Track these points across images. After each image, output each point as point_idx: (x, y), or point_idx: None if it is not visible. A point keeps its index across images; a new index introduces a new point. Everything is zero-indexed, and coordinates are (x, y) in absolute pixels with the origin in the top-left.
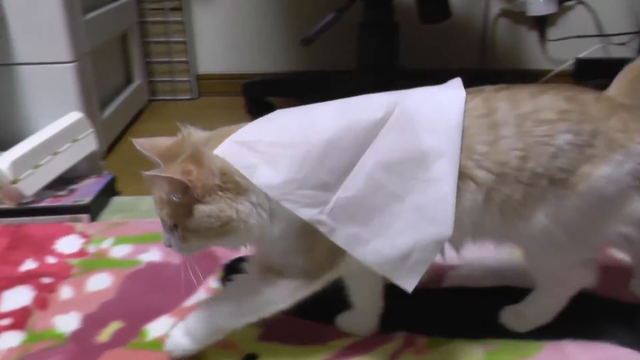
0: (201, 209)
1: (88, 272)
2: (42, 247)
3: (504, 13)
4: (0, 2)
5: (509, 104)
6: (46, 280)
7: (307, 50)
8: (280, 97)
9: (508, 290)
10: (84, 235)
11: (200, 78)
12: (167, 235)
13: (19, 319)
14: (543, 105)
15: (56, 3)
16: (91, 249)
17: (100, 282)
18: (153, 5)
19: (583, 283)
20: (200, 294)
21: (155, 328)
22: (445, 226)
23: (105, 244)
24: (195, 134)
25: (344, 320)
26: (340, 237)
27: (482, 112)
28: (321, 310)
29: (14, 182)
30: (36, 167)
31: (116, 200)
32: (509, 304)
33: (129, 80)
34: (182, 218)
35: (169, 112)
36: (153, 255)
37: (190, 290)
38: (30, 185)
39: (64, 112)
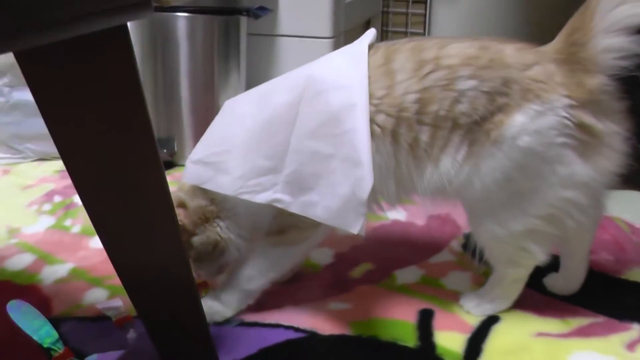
0: (195, 240)
1: None
2: None
3: None
4: None
5: (411, 53)
6: None
7: None
8: None
9: None
10: None
11: None
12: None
13: None
14: (448, 53)
15: None
16: None
17: None
18: None
19: (533, 261)
20: (445, 254)
21: (404, 275)
22: (367, 165)
23: None
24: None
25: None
26: (296, 208)
27: (380, 62)
28: None
29: None
30: None
31: None
32: None
33: None
34: (190, 252)
35: None
36: (398, 213)
37: (435, 249)
38: None
39: None
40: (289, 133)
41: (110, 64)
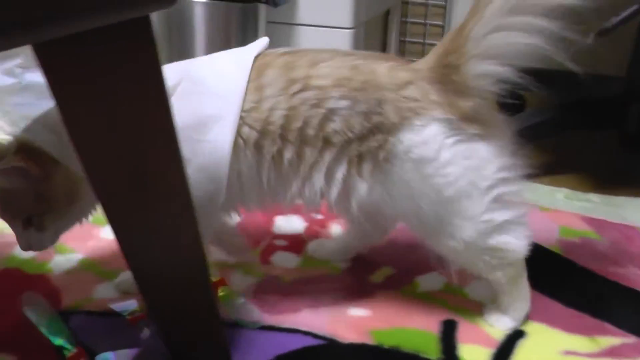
0: (54, 182)
1: None
2: None
3: None
4: None
5: (281, 70)
6: (317, 216)
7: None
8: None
9: None
10: None
11: None
12: (24, 236)
13: (294, 244)
14: (319, 73)
15: None
16: None
17: None
18: None
19: (513, 254)
20: None
21: (426, 281)
22: (221, 184)
23: None
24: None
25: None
26: None
27: (253, 76)
28: (588, 302)
29: None
30: None
31: None
32: None
33: None
34: (37, 204)
35: None
36: None
37: None
38: None
39: None
40: None
41: (131, 58)
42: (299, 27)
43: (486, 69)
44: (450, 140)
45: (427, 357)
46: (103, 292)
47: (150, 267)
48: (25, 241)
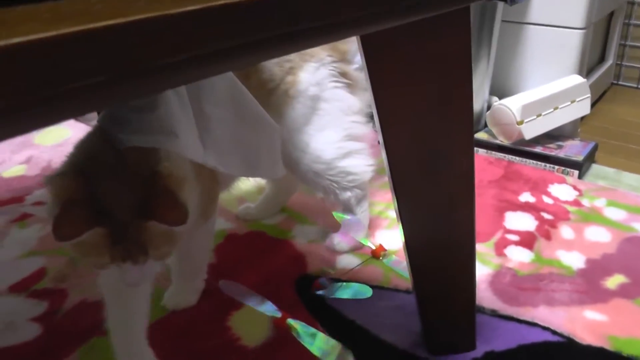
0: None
1: (585, 222)
2: (536, 187)
3: None
4: None
5: None
6: (546, 216)
7: None
8: None
9: None
10: (575, 188)
11: None
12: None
13: (526, 240)
14: None
15: None
16: (585, 202)
17: (598, 234)
18: None
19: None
20: None
21: None
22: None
23: (598, 203)
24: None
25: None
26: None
27: None
28: None
29: (519, 123)
30: (539, 115)
31: (596, 168)
32: None
33: (601, 59)
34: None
35: (630, 99)
36: None
37: None
38: (531, 130)
39: (560, 74)
40: None
41: (448, 45)
42: (529, 26)
43: None
44: (333, 85)
45: None
46: (345, 263)
47: (425, 242)
48: (135, 276)
